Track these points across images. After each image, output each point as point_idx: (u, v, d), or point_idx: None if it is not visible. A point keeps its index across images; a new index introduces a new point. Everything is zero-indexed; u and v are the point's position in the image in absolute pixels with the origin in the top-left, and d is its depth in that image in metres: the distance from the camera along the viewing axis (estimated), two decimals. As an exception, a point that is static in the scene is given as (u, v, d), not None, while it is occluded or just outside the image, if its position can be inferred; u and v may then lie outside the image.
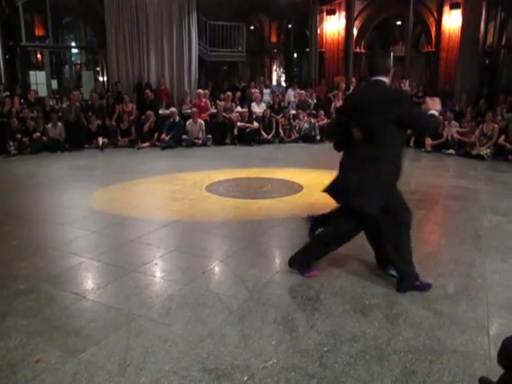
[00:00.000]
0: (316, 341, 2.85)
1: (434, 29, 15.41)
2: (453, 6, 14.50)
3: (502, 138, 9.79)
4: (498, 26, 14.30)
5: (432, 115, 3.51)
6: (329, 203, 4.88)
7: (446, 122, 10.83)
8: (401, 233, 3.54)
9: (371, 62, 3.57)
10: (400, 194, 3.63)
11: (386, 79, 3.45)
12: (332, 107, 13.05)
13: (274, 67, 19.74)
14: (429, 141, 10.66)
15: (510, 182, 7.78)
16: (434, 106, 3.58)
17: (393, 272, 3.74)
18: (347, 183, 3.58)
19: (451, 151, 10.33)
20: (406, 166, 10.03)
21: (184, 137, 11.09)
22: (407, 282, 3.56)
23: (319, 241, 3.84)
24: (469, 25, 13.31)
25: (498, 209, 5.93)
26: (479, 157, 9.71)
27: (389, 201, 3.48)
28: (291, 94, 13.63)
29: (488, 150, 9.81)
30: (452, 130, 10.65)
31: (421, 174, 8.29)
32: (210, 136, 11.37)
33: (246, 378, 2.49)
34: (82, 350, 2.72)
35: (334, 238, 3.80)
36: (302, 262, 3.81)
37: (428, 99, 3.67)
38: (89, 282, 3.70)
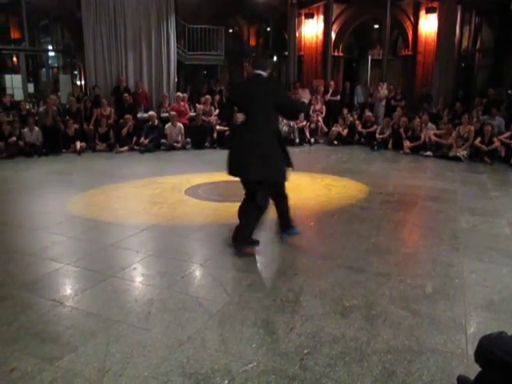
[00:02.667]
0: (296, 343, 2.85)
1: (410, 32, 15.63)
2: (429, 11, 14.74)
3: (478, 140, 9.97)
4: (472, 30, 14.60)
5: (303, 102, 4.66)
6: (307, 206, 4.88)
7: (423, 125, 10.99)
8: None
9: (254, 59, 4.55)
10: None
11: (264, 73, 4.25)
12: (311, 110, 13.14)
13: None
14: (407, 143, 10.81)
15: (486, 183, 7.92)
16: (304, 96, 5.17)
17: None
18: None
19: (429, 153, 10.47)
20: (385, 167, 10.19)
21: (163, 141, 11.03)
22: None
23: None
24: (444, 29, 13.55)
25: (475, 209, 6.03)
26: (456, 158, 9.87)
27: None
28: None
29: (464, 152, 9.99)
30: (429, 132, 10.81)
31: (399, 176, 8.40)
32: (189, 140, 11.31)
33: (226, 382, 2.48)
34: (59, 358, 2.67)
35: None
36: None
37: (300, 90, 4.74)
38: (66, 288, 3.64)
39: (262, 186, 4.15)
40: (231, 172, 4.22)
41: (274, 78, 4.03)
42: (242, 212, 4.33)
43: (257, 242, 4.41)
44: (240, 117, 4.15)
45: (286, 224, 4.61)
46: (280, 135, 4.46)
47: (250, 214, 4.27)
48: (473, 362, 2.19)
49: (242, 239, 4.32)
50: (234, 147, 4.28)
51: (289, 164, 4.37)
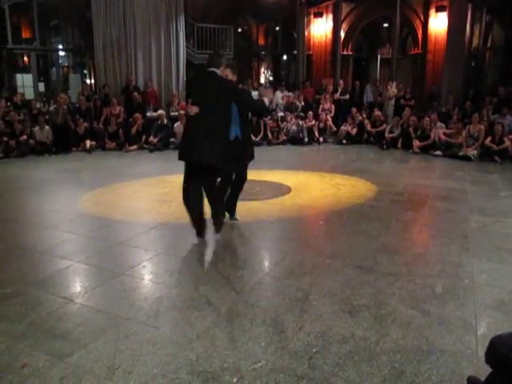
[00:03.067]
0: (305, 342, 2.85)
1: (420, 31, 15.55)
2: (439, 9, 14.66)
3: (489, 139, 9.89)
4: (483, 28, 14.48)
5: (263, 100, 4.93)
6: (316, 206, 4.81)
7: (433, 124, 10.93)
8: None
9: (209, 58, 4.74)
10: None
11: (218, 71, 4.56)
12: (320, 109, 13.12)
13: (262, 69, 19.78)
14: (416, 142, 10.75)
15: (497, 182, 7.86)
16: (266, 95, 5.30)
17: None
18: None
19: (438, 152, 10.41)
20: (394, 167, 10.12)
21: (172, 139, 11.06)
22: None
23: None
24: (455, 27, 13.44)
25: (485, 209, 5.98)
26: (466, 158, 9.80)
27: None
28: (279, 97, 13.67)
29: (475, 151, 9.92)
30: (439, 131, 10.74)
31: (408, 175, 8.36)
32: (198, 138, 11.32)
33: (235, 381, 2.48)
34: (69, 354, 2.70)
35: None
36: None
37: (263, 89, 5.22)
38: (76, 286, 3.66)
39: (208, 171, 4.51)
40: (180, 157, 4.58)
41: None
42: (194, 198, 4.60)
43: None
44: (194, 109, 4.39)
45: (230, 210, 5.22)
46: (249, 127, 5.34)
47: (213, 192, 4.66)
48: (483, 362, 2.18)
49: (219, 219, 4.74)
50: (185, 135, 4.69)
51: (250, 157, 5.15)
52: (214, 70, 4.57)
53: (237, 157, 4.76)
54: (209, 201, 4.64)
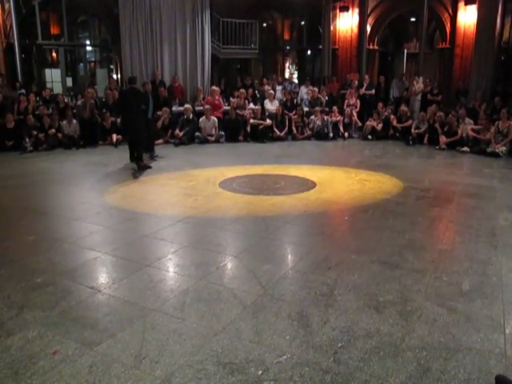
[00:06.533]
0: (330, 337, 2.85)
1: (448, 25, 15.24)
2: (468, 2, 14.32)
3: (518, 135, 9.66)
4: (514, 21, 14.11)
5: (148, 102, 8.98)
6: (341, 201, 4.80)
7: (460, 120, 10.73)
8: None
9: (129, 79, 8.86)
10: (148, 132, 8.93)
11: (135, 86, 8.56)
12: (345, 104, 13.01)
13: (287, 64, 19.71)
14: (443, 138, 10.58)
15: (526, 179, 7.68)
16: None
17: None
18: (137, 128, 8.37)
19: (465, 149, 10.21)
20: (420, 163, 9.95)
21: (197, 134, 11.13)
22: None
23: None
24: (484, 21, 13.12)
25: (514, 207, 5.87)
26: (494, 154, 9.59)
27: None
28: (304, 92, 13.60)
29: (504, 148, 9.69)
30: (467, 127, 10.54)
31: (435, 172, 8.24)
32: (222, 133, 11.39)
33: (260, 373, 2.51)
34: (98, 343, 2.76)
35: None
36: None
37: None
38: (104, 276, 3.74)
39: (137, 139, 8.37)
40: (126, 134, 9.25)
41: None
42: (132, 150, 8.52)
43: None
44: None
45: (150, 154, 9.19)
46: (146, 117, 8.84)
47: (138, 149, 8.38)
48: (512, 361, 2.15)
49: (140, 160, 8.29)
50: (123, 123, 9.32)
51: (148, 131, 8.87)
52: (134, 86, 8.52)
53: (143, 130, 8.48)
54: (137, 152, 8.33)
